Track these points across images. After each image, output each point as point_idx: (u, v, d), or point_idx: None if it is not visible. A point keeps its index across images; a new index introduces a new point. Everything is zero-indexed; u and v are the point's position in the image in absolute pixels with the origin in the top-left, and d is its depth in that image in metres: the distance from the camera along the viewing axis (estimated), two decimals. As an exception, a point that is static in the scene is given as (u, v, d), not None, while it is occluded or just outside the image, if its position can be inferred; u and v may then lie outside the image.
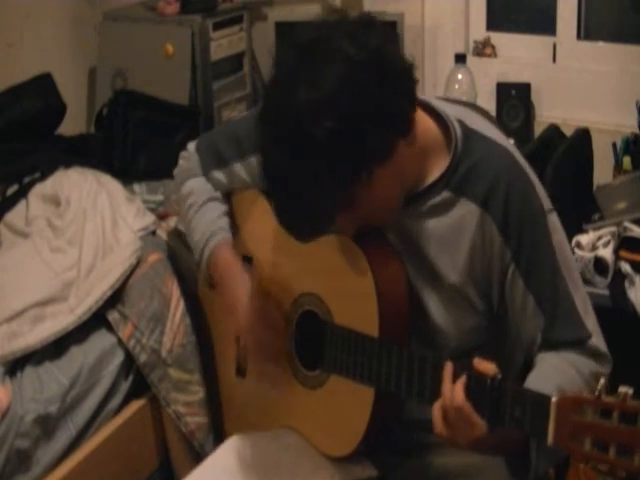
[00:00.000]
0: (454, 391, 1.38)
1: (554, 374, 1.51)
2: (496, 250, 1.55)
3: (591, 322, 1.58)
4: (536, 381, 1.48)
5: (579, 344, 1.56)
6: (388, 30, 1.48)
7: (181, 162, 1.92)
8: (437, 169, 1.56)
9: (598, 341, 1.58)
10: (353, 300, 1.59)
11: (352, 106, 1.37)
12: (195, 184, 1.87)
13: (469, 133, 1.57)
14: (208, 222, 1.82)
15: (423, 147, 1.52)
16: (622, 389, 1.21)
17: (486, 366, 1.38)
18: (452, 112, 1.58)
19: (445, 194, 1.56)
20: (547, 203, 1.59)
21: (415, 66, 1.47)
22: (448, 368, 1.41)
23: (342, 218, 1.48)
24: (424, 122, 1.54)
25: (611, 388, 1.24)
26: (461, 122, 1.57)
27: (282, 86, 1.42)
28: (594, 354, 1.57)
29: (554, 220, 1.58)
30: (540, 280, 1.55)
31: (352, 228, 1.53)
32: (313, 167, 1.39)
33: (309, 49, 1.42)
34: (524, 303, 1.56)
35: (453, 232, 1.56)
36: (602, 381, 1.23)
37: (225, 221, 1.84)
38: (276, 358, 1.74)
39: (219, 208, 1.85)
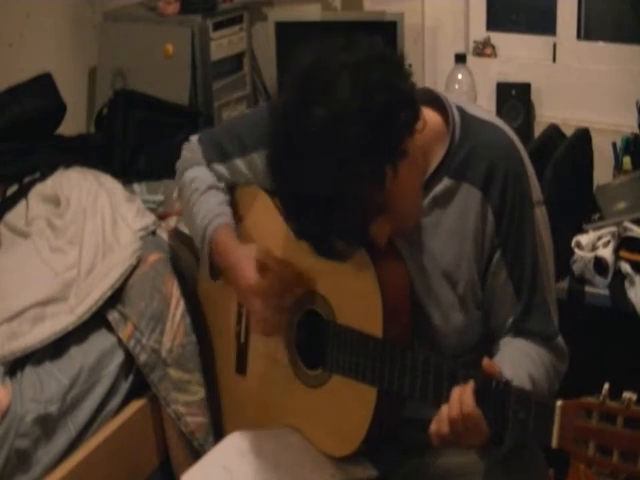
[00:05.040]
0: (463, 398, 1.37)
1: (526, 361, 1.54)
2: (489, 233, 1.57)
3: (557, 320, 1.63)
4: (509, 364, 1.49)
5: (546, 339, 1.60)
6: (377, 37, 1.48)
7: (184, 152, 1.92)
8: (438, 156, 1.57)
9: (561, 339, 1.62)
10: (356, 300, 1.59)
11: (368, 107, 1.37)
12: (198, 172, 1.87)
13: (468, 118, 1.58)
14: (210, 207, 1.81)
15: (427, 134, 1.52)
16: (626, 394, 1.22)
17: (494, 368, 1.38)
18: (452, 99, 1.60)
19: (446, 181, 1.57)
20: (537, 194, 1.61)
21: (408, 62, 1.49)
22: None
23: (376, 226, 1.47)
24: (425, 111, 1.53)
25: (613, 388, 1.24)
26: (460, 108, 1.59)
27: (295, 110, 1.40)
28: (558, 351, 1.61)
29: (540, 214, 1.60)
30: (522, 270, 1.58)
31: (385, 236, 1.51)
32: (344, 175, 1.37)
33: (309, 73, 1.42)
34: (503, 289, 1.59)
35: (459, 219, 1.57)
36: (606, 386, 1.23)
37: (227, 208, 1.83)
38: (279, 328, 1.72)
39: (221, 196, 1.84)
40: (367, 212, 1.43)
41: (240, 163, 1.81)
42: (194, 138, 1.91)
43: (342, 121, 1.36)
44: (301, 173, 1.39)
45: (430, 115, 1.55)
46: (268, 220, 1.78)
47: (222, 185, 1.86)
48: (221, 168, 1.85)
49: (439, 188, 1.57)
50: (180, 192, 1.94)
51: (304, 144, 1.39)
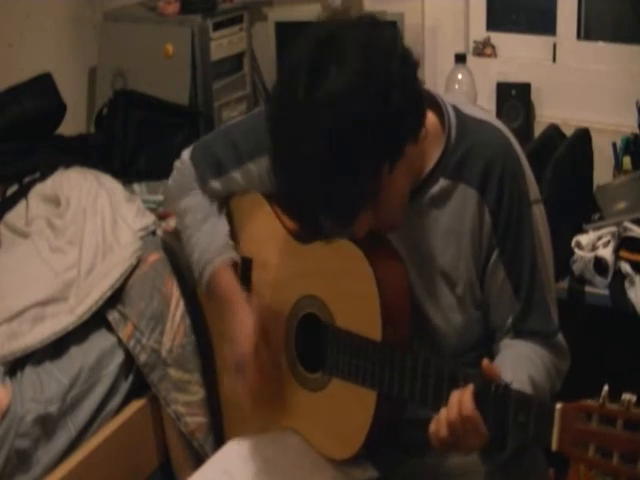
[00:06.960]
0: (463, 401, 1.37)
1: (526, 363, 1.53)
2: (486, 232, 1.57)
3: (556, 317, 1.62)
4: (509, 367, 1.48)
5: (547, 337, 1.59)
6: (392, 28, 1.46)
7: (175, 174, 1.90)
8: (434, 157, 1.56)
9: (562, 337, 1.62)
10: (355, 302, 1.58)
11: (383, 102, 1.35)
12: (192, 200, 1.85)
13: (464, 118, 1.57)
14: (207, 240, 1.80)
15: (423, 135, 1.51)
16: (626, 396, 1.22)
17: (493, 370, 1.38)
18: (447, 99, 1.60)
19: (443, 182, 1.56)
20: (534, 192, 1.60)
21: (419, 61, 1.48)
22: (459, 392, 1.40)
23: (362, 219, 1.45)
24: None
25: (613, 388, 1.24)
26: (456, 108, 1.58)
27: (307, 76, 1.36)
28: (558, 350, 1.61)
29: (538, 212, 1.60)
30: (520, 269, 1.57)
31: (365, 230, 1.50)
32: (350, 155, 1.35)
33: (324, 44, 1.38)
34: (502, 289, 1.58)
35: (455, 220, 1.57)
36: (605, 388, 1.23)
37: (224, 235, 1.82)
38: (270, 393, 1.74)
39: (217, 222, 1.83)
40: (360, 197, 1.40)
41: (236, 174, 1.80)
42: (186, 155, 1.88)
43: (355, 104, 1.34)
44: (303, 139, 1.35)
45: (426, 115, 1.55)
46: (267, 225, 1.78)
47: (216, 207, 1.85)
48: (216, 184, 1.83)
49: (435, 189, 1.56)
50: (176, 220, 1.95)
51: (310, 114, 1.35)
